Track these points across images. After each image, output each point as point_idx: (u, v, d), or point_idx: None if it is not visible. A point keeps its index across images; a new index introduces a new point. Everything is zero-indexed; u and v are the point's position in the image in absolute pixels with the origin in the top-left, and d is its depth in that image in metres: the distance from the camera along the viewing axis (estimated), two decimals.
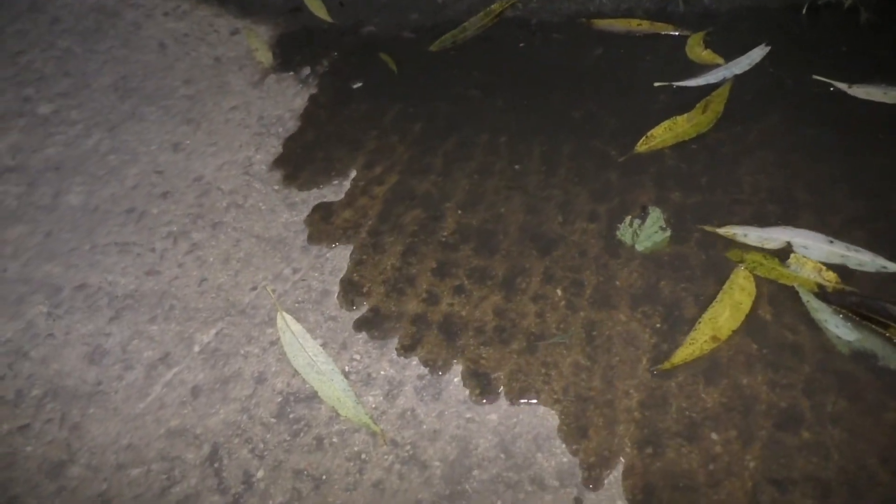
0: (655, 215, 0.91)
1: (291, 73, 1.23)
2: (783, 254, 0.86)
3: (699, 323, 0.80)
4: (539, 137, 1.05)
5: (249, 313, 0.90)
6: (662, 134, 1.00)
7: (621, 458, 0.74)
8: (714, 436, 0.74)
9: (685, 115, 1.01)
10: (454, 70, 1.18)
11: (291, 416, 0.80)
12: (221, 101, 1.20)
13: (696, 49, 1.09)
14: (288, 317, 0.87)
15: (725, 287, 0.82)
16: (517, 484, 0.73)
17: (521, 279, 0.89)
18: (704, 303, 0.83)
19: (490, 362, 0.82)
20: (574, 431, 0.76)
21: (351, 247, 0.96)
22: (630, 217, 0.92)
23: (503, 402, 0.79)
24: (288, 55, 1.26)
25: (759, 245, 0.86)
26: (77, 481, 0.76)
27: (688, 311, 0.83)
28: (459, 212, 0.97)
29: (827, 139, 0.97)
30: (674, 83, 1.06)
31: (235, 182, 1.06)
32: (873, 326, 0.79)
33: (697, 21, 1.16)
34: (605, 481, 0.72)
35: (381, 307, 0.89)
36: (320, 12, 1.33)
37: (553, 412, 0.77)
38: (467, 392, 0.80)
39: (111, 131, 1.17)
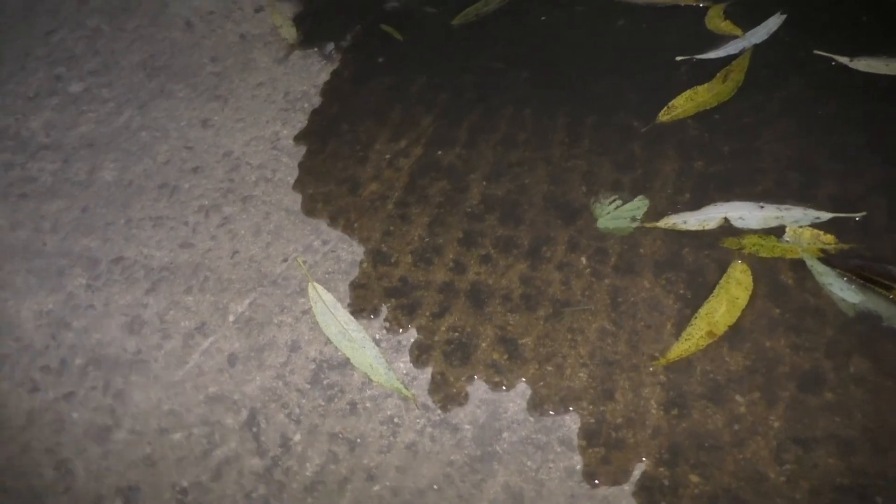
0: (639, 204, 0.91)
1: (315, 48, 1.23)
2: (778, 231, 0.85)
3: (695, 318, 0.80)
4: (563, 109, 1.05)
5: (281, 284, 0.92)
6: (684, 104, 1.00)
7: (647, 420, 0.75)
8: (738, 398, 0.75)
9: (706, 85, 1.00)
10: (478, 43, 1.17)
11: (325, 382, 0.82)
12: (248, 78, 1.21)
13: (716, 20, 1.09)
14: (319, 287, 0.89)
15: (722, 281, 0.82)
16: (546, 445, 0.75)
17: (546, 248, 0.90)
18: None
19: (517, 328, 0.84)
20: (601, 394, 0.77)
21: (379, 218, 0.97)
22: (615, 196, 0.92)
23: (531, 367, 0.80)
24: (312, 31, 1.26)
25: (699, 228, 0.87)
26: (122, 445, 0.79)
27: (710, 275, 0.83)
28: (484, 183, 0.98)
29: (838, 110, 0.96)
30: (694, 56, 1.05)
31: (264, 157, 1.07)
32: (876, 288, 0.79)
33: None
34: (632, 442, 0.74)
35: (410, 276, 0.90)
36: None
37: (580, 375, 0.79)
38: (495, 356, 0.82)
39: (141, 108, 1.18)
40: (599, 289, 0.85)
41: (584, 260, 0.88)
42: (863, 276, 0.80)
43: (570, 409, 0.77)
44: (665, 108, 1.00)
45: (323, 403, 0.80)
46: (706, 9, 1.11)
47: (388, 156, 1.05)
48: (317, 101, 1.15)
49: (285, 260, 0.94)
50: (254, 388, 0.82)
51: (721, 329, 0.79)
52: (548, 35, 1.16)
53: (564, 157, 0.99)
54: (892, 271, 0.79)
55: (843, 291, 0.79)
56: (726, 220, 0.86)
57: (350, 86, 1.16)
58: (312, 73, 1.20)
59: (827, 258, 0.82)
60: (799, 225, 0.84)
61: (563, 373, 0.79)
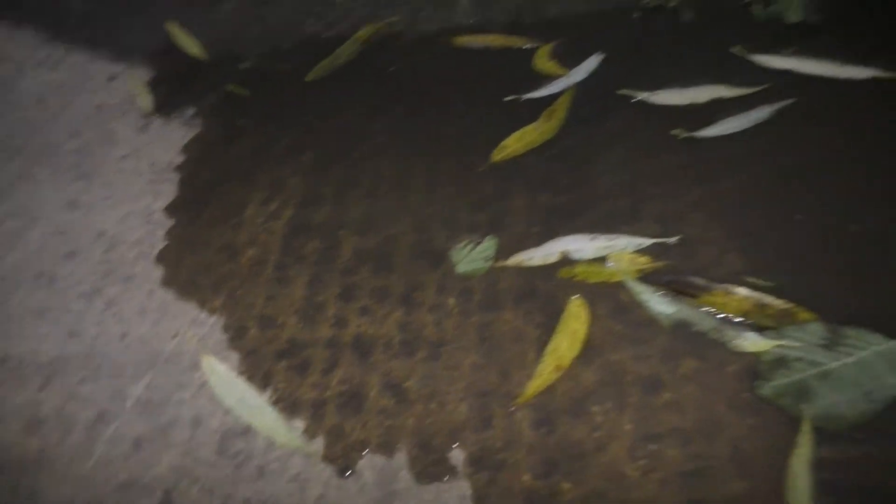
0: (488, 245, 1.01)
1: (175, 115, 1.26)
2: (603, 259, 0.98)
3: (543, 356, 0.91)
4: (417, 156, 1.14)
5: (175, 360, 0.96)
6: (514, 143, 1.11)
7: (522, 440, 0.86)
8: (595, 408, 0.87)
9: (532, 125, 1.12)
10: (333, 97, 1.24)
11: (231, 451, 0.88)
12: (110, 151, 1.22)
13: (543, 60, 1.20)
14: (212, 359, 0.94)
15: (562, 319, 0.93)
16: (439, 475, 0.84)
17: (418, 293, 0.99)
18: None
19: (401, 373, 0.92)
20: (480, 423, 0.87)
21: (260, 283, 1.03)
22: (467, 241, 1.03)
23: (418, 407, 0.89)
24: (169, 97, 1.29)
25: (543, 263, 0.99)
26: None
27: (561, 302, 0.95)
28: (355, 237, 1.06)
29: (653, 137, 1.10)
30: (522, 96, 1.17)
31: (139, 232, 1.10)
32: (685, 299, 0.93)
33: (546, 31, 1.27)
34: (512, 462, 0.84)
35: (297, 336, 0.97)
36: (194, 50, 1.36)
37: (461, 409, 0.88)
38: (384, 402, 0.90)
39: (3, 195, 1.18)
40: (468, 326, 0.95)
41: (452, 301, 0.97)
42: (673, 288, 0.94)
43: (456, 440, 0.86)
44: (497, 147, 1.11)
45: (232, 472, 0.86)
46: (535, 50, 1.23)
47: (260, 220, 1.10)
48: (184, 169, 1.18)
49: (175, 336, 0.98)
50: (163, 469, 0.87)
51: (567, 362, 0.90)
52: (397, 84, 1.25)
53: (423, 204, 1.08)
54: (695, 282, 0.93)
55: (659, 305, 0.93)
56: (564, 253, 0.98)
57: (214, 150, 1.21)
58: (175, 140, 1.23)
59: (644, 277, 0.95)
60: (624, 251, 0.97)
61: (445, 408, 0.89)
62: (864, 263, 0.93)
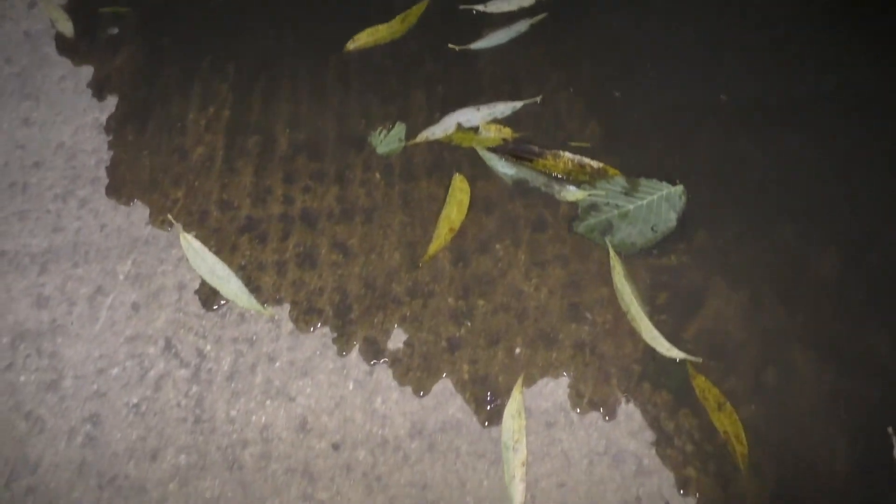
0: (399, 129, 1.24)
1: (100, 36, 1.38)
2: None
3: (438, 221, 1.13)
4: (328, 62, 1.33)
5: (153, 242, 1.14)
6: (365, 38, 1.34)
7: (445, 274, 1.11)
8: (497, 246, 1.14)
9: (386, 24, 1.35)
10: (239, 16, 1.40)
11: (215, 306, 1.09)
12: (49, 73, 1.34)
13: None
14: (188, 236, 1.13)
15: (449, 192, 1.16)
16: (385, 306, 1.09)
17: (349, 172, 1.21)
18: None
19: (344, 234, 1.15)
20: (410, 265, 1.12)
21: (213, 175, 1.21)
22: (381, 128, 1.24)
23: (360, 259, 1.13)
24: (90, 21, 1.40)
25: (444, 135, 1.22)
26: (72, 388, 1.01)
27: (465, 166, 1.19)
28: (288, 131, 1.25)
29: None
30: None
31: (94, 142, 1.25)
32: (524, 163, 1.19)
33: None
34: (439, 290, 1.10)
35: (253, 214, 1.17)
36: None
37: (395, 256, 1.13)
38: (334, 257, 1.13)
39: None
40: (393, 194, 1.18)
41: (377, 175, 1.20)
42: (514, 155, 1.19)
43: (392, 280, 1.11)
44: (351, 39, 1.33)
45: (218, 320, 1.07)
46: None
47: (202, 123, 1.27)
48: (121, 85, 1.33)
49: (147, 223, 1.16)
50: (161, 323, 1.07)
51: (458, 225, 1.13)
52: None
53: (343, 100, 1.29)
54: (532, 149, 1.19)
55: (503, 168, 1.18)
56: (459, 124, 1.23)
57: (145, 68, 1.35)
58: (106, 59, 1.36)
59: (496, 148, 1.20)
60: (502, 115, 1.22)
61: (383, 258, 1.13)
62: (656, 128, 1.23)
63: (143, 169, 1.22)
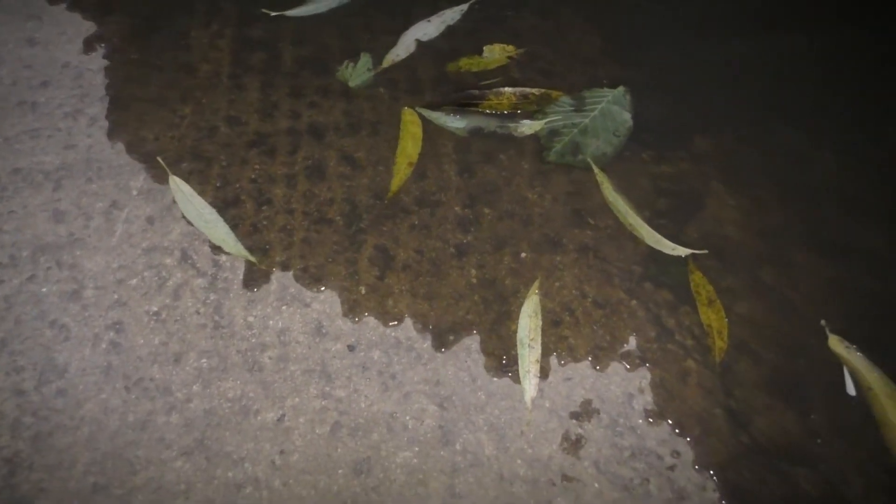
0: (365, 59, 1.22)
1: None
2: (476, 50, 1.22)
3: (395, 158, 1.12)
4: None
5: (163, 157, 1.15)
6: None
7: (451, 184, 1.12)
8: (501, 156, 1.14)
9: None
10: None
11: (228, 215, 1.10)
12: None
13: None
14: (178, 179, 1.11)
15: (401, 127, 1.14)
16: (394, 216, 1.10)
17: (385, 70, 1.20)
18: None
19: (352, 147, 1.15)
20: (421, 174, 1.13)
21: (220, 91, 1.20)
22: (347, 61, 1.22)
23: (369, 171, 1.13)
24: None
25: (408, 54, 1.22)
26: (94, 298, 1.03)
27: (441, 77, 1.19)
28: (292, 47, 1.24)
29: None
30: None
31: (100, 61, 1.24)
32: (470, 109, 1.16)
33: None
34: (444, 200, 1.11)
35: (261, 129, 1.17)
36: None
37: (406, 168, 1.13)
38: (342, 169, 1.13)
39: None
40: (397, 106, 1.18)
41: (382, 90, 1.20)
42: (457, 103, 1.16)
43: (403, 191, 1.12)
44: None
45: (231, 228, 1.08)
46: None
47: (206, 40, 1.26)
48: (125, 3, 1.30)
49: (157, 139, 1.16)
50: (177, 234, 1.08)
51: (415, 157, 1.11)
52: None
53: (346, 15, 1.27)
54: (472, 94, 1.17)
55: (453, 123, 1.15)
56: (418, 41, 1.21)
57: None
58: None
59: (432, 104, 1.17)
60: (453, 21, 1.22)
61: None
62: (584, 42, 1.22)
63: (150, 86, 1.21)
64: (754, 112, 1.16)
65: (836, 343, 0.93)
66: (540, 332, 0.96)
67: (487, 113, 1.15)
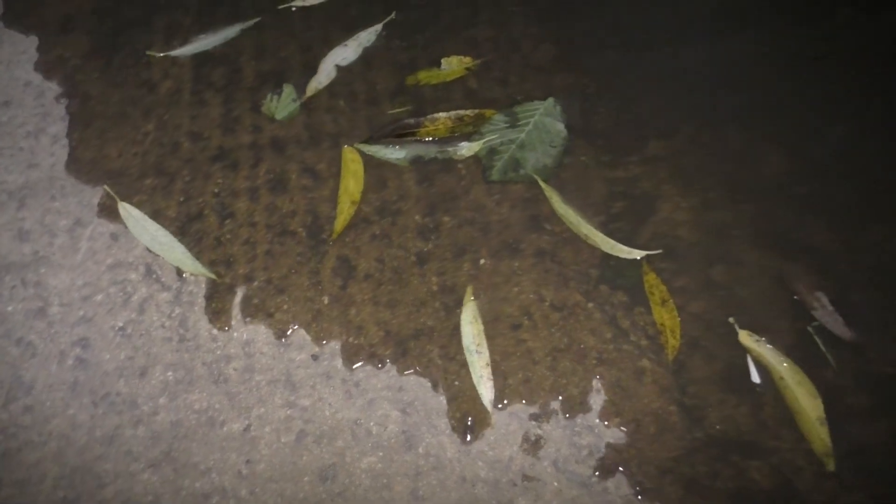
0: (288, 90, 1.22)
1: None
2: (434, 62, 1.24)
3: (338, 198, 1.11)
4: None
5: (126, 174, 1.16)
6: None
7: (410, 194, 1.14)
8: (459, 165, 1.16)
9: None
10: None
11: (191, 232, 1.11)
12: (9, 11, 1.32)
13: None
14: (127, 205, 1.10)
15: (342, 165, 1.13)
16: (355, 225, 1.11)
17: (314, 99, 1.22)
18: None
19: (313, 160, 1.17)
20: (379, 186, 1.15)
21: (182, 107, 1.22)
22: (269, 94, 1.22)
23: (330, 182, 1.15)
24: None
25: (329, 81, 1.22)
26: (59, 315, 1.04)
27: (381, 95, 1.21)
28: (253, 62, 1.26)
29: None
30: None
31: (61, 80, 1.25)
32: (408, 139, 1.16)
33: None
34: (405, 208, 1.13)
35: (224, 144, 1.19)
36: None
37: (369, 178, 1.15)
38: (304, 182, 1.15)
39: None
40: (359, 118, 1.20)
41: (342, 102, 1.22)
42: (398, 135, 1.16)
43: (363, 204, 1.13)
44: None
45: (195, 244, 1.10)
46: None
47: (165, 55, 1.27)
48: (85, 22, 1.31)
49: (119, 155, 1.17)
50: (141, 250, 1.09)
51: (358, 196, 1.11)
52: None
53: (305, 28, 1.29)
54: (408, 123, 1.16)
55: (393, 154, 1.15)
56: (337, 66, 1.23)
57: (109, 3, 1.33)
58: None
59: (371, 138, 1.16)
60: (368, 42, 1.24)
61: (360, 181, 1.15)
62: (537, 51, 1.25)
63: (111, 104, 1.22)
64: (705, 115, 1.20)
65: (745, 337, 0.97)
66: (484, 337, 0.99)
67: (426, 140, 1.16)
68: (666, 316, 0.99)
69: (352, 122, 1.18)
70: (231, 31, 1.27)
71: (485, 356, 0.97)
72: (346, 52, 1.23)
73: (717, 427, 0.92)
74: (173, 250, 1.08)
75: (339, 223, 1.09)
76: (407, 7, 1.28)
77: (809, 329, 0.97)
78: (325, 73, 1.22)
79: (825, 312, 0.98)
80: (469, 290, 1.03)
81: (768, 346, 0.96)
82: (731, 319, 0.99)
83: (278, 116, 1.19)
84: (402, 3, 1.28)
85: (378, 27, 1.25)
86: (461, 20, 1.27)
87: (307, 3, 1.31)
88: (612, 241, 1.06)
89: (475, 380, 0.97)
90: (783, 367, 0.93)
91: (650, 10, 1.30)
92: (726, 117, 1.18)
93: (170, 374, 1.00)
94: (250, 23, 1.28)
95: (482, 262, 1.07)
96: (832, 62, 1.21)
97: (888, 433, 0.89)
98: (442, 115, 1.17)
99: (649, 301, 1.01)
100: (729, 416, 0.93)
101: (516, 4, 1.31)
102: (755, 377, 0.95)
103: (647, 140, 1.17)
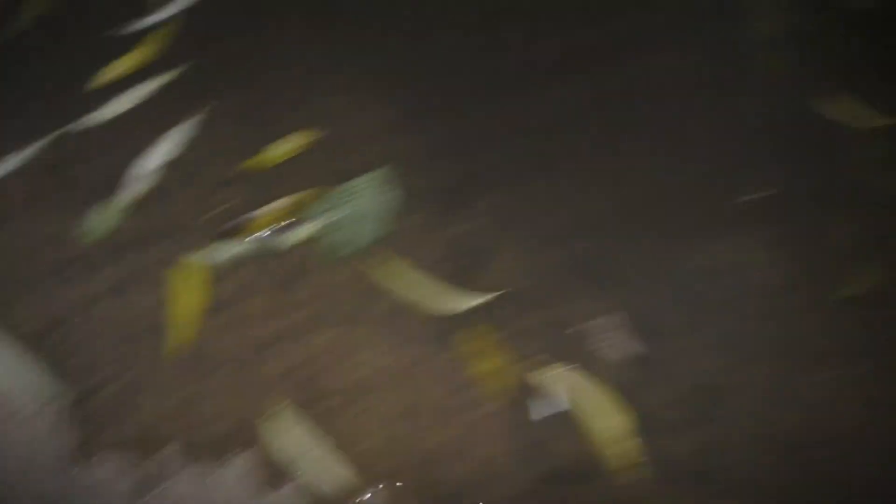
0: (102, 205, 1.15)
1: None
2: None
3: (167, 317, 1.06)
4: None
5: None
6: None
7: None
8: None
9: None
10: None
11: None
12: None
13: None
14: None
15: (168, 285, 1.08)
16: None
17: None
18: None
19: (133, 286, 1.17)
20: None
21: None
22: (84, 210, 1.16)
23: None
24: None
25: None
26: None
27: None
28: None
29: None
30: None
31: None
32: (234, 238, 1.13)
33: None
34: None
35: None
36: None
37: None
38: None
39: None
40: (183, 220, 1.22)
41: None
42: (225, 235, 1.13)
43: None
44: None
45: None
46: None
47: None
48: None
49: None
50: None
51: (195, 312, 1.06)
52: None
53: None
54: (238, 222, 1.13)
55: (217, 256, 1.11)
56: (157, 168, 1.20)
57: None
58: None
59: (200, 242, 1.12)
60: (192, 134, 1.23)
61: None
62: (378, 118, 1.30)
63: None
64: (535, 164, 1.26)
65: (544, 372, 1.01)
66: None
67: (262, 234, 1.13)
68: (496, 361, 1.02)
69: (179, 228, 1.17)
70: (30, 151, 1.23)
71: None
72: (164, 150, 1.20)
73: (558, 460, 0.95)
74: None
75: (171, 344, 1.04)
76: (234, 89, 1.31)
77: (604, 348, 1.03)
78: (143, 179, 1.18)
79: (623, 332, 1.03)
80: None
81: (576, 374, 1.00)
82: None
83: (98, 236, 1.13)
84: (229, 87, 1.31)
85: (197, 118, 1.23)
86: (295, 96, 1.32)
87: (107, 117, 1.26)
88: (451, 297, 1.09)
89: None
90: (590, 393, 0.97)
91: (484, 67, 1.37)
92: (555, 164, 1.24)
93: None
94: (52, 136, 1.26)
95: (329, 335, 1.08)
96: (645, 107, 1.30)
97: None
98: (263, 209, 1.14)
99: (482, 350, 1.05)
100: (567, 449, 0.96)
101: (355, 73, 1.36)
102: (552, 409, 0.98)
103: (481, 194, 1.21)
